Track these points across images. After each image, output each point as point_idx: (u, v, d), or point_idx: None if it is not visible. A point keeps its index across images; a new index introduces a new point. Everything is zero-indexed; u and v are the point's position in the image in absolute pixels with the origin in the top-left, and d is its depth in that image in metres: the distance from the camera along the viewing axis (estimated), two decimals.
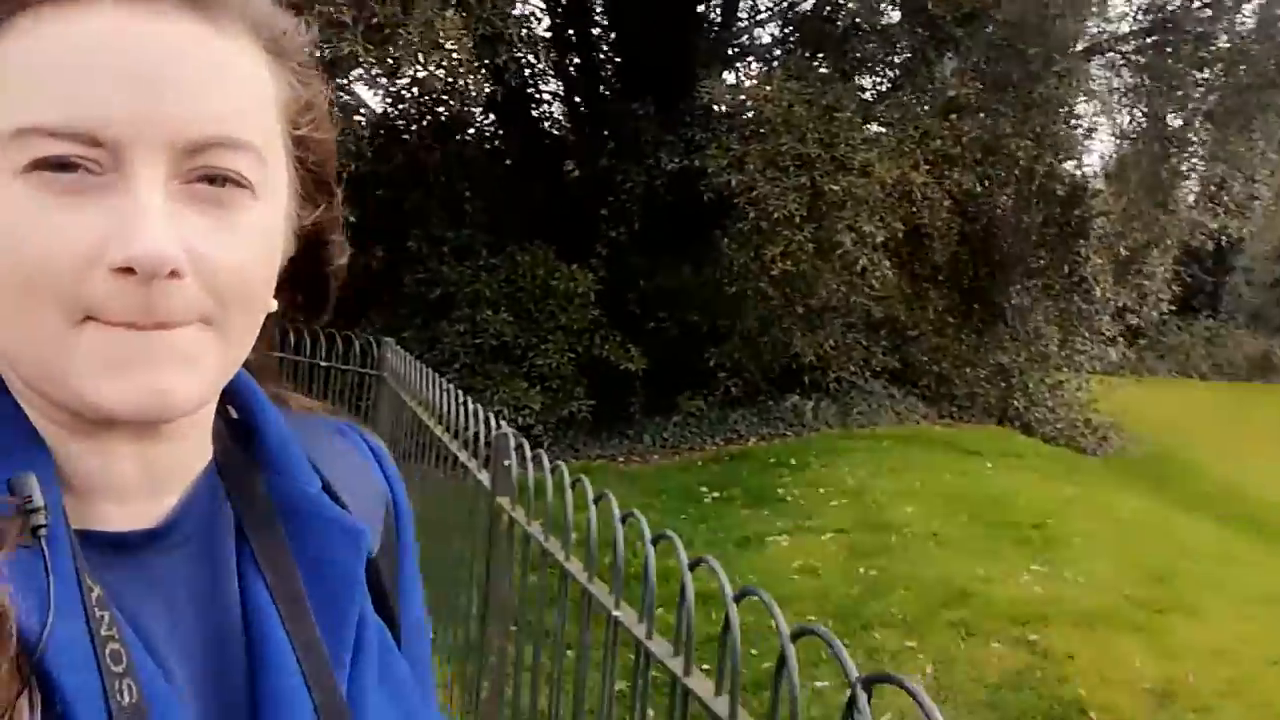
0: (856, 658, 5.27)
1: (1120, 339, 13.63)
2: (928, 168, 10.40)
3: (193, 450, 0.62)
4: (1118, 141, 12.19)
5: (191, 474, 0.62)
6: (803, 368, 11.00)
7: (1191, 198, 11.93)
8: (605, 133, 11.84)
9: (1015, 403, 12.50)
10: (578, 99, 13.23)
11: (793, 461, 9.03)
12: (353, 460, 0.74)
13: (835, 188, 9.88)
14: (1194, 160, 11.41)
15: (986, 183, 10.66)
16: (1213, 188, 11.44)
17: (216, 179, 0.54)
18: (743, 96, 10.30)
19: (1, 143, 0.50)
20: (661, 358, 10.92)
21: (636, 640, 1.89)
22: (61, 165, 0.50)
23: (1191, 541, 6.91)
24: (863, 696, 1.43)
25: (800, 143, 9.99)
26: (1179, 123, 11.02)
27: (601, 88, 12.83)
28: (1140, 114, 11.29)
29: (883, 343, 11.92)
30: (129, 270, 0.50)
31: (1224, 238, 13.10)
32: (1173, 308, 14.98)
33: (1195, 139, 11.07)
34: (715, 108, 10.83)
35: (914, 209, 10.50)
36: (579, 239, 10.90)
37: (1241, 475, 15.02)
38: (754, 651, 4.44)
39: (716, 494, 8.33)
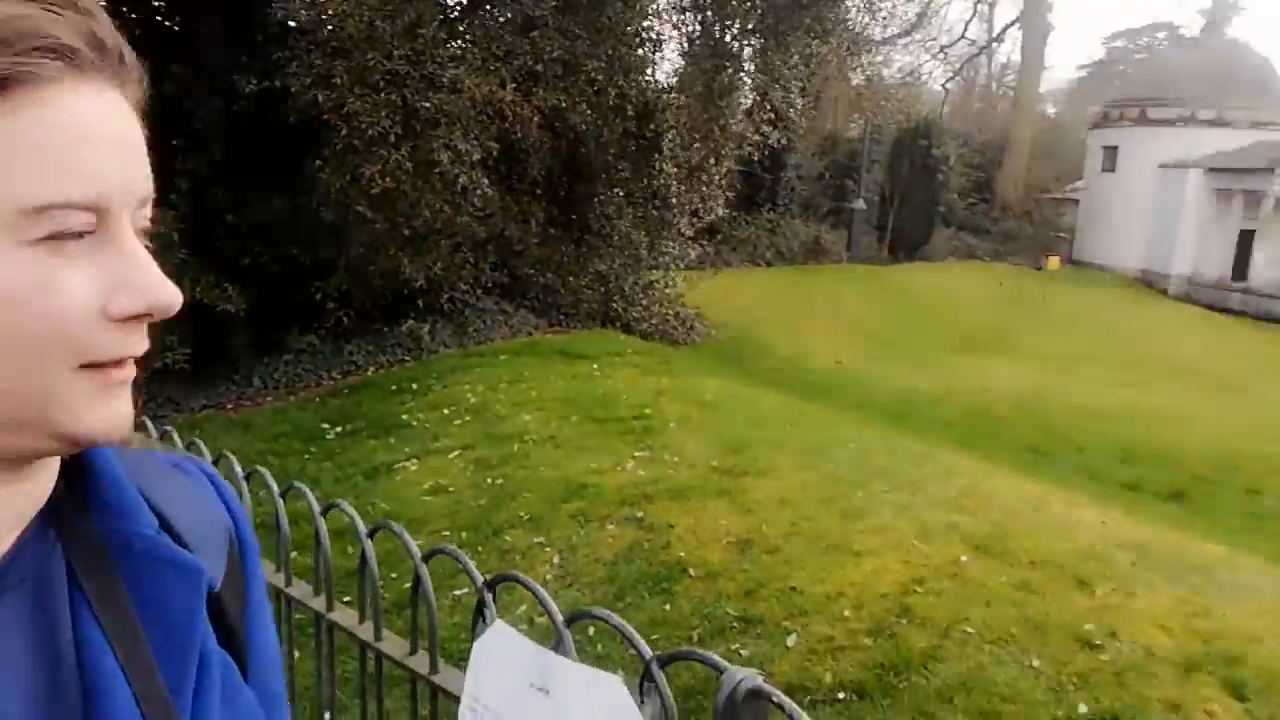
0: (490, 561, 5.64)
1: (698, 238, 15.09)
2: (514, 85, 10.71)
3: (40, 490, 0.61)
4: (681, 58, 13.33)
5: (27, 517, 0.60)
6: (415, 292, 11.02)
7: (743, 110, 13.41)
8: (167, 56, 10.76)
9: (615, 305, 13.49)
10: (130, 16, 11.82)
11: (414, 386, 9.14)
12: (192, 495, 0.73)
13: (427, 105, 9.88)
14: (743, 75, 12.80)
15: (569, 100, 11.21)
16: (758, 98, 12.93)
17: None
18: (319, 13, 9.86)
19: (14, 217, 0.52)
20: (264, 295, 10.40)
21: (275, 589, 1.99)
22: (77, 234, 0.54)
23: (763, 412, 8.08)
24: (489, 596, 1.65)
25: (388, 59, 9.82)
26: (730, 40, 12.29)
27: (157, 3, 11.56)
28: (697, 31, 12.41)
29: (491, 259, 12.23)
30: (138, 316, 0.56)
31: (776, 141, 14.89)
32: (739, 206, 16.77)
33: (743, 55, 12.41)
34: (292, 24, 10.26)
35: (506, 126, 10.80)
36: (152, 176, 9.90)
37: (802, 347, 17.52)
38: (394, 575, 4.63)
39: (340, 428, 8.25)
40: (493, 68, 10.39)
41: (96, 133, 0.55)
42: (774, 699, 1.47)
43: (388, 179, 9.69)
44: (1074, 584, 4.46)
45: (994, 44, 48.18)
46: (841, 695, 3.80)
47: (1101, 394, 13.55)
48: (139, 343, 0.58)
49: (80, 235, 0.54)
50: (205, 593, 0.66)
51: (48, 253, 0.53)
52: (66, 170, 0.53)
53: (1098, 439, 10.46)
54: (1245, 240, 32.73)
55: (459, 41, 10.92)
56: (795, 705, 1.44)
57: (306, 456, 7.62)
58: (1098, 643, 3.94)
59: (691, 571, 4.82)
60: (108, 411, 0.57)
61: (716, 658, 1.62)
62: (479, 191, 10.39)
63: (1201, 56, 36.36)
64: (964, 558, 4.75)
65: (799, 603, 4.41)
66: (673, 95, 12.39)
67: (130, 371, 0.59)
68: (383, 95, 9.70)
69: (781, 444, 6.72)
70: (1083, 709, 3.51)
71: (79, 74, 0.54)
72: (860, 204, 31.09)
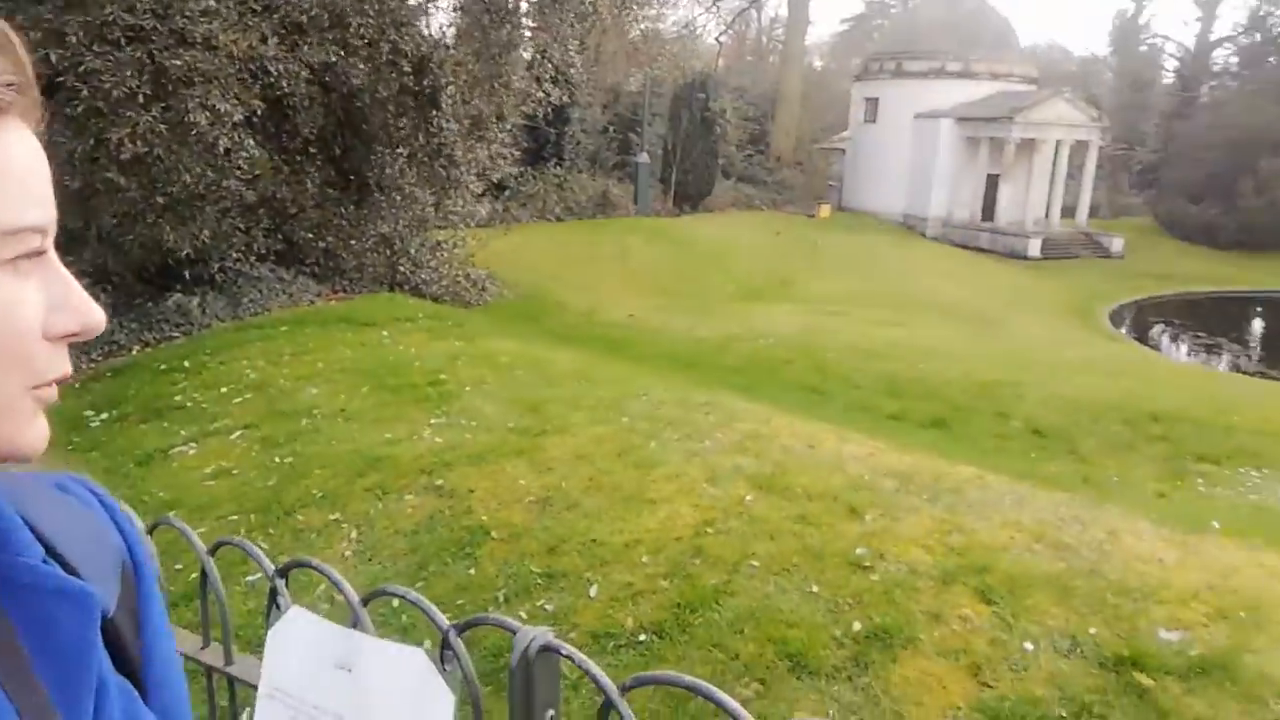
0: (285, 542, 5.46)
1: (486, 195, 14.91)
2: (277, 40, 10.12)
3: None
4: (456, 13, 13.02)
5: None
6: (181, 262, 10.32)
7: (524, 66, 13.30)
8: None
9: (402, 268, 13.16)
10: None
11: (187, 364, 8.61)
12: (80, 518, 0.71)
13: (178, 62, 9.19)
14: (522, 30, 12.67)
15: (340, 54, 10.73)
16: (538, 55, 12.86)
17: None
18: None
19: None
20: None
21: None
22: (28, 256, 0.58)
23: (558, 370, 8.18)
24: (280, 584, 1.64)
25: (129, 13, 9.03)
26: None
27: None
28: None
29: (264, 224, 11.60)
30: (72, 335, 0.60)
31: (558, 97, 14.87)
32: (526, 162, 16.69)
33: (520, 11, 12.27)
34: None
35: (271, 82, 10.21)
36: None
37: (595, 302, 17.77)
38: (178, 566, 4.41)
39: (106, 415, 7.67)
40: (251, 22, 9.77)
41: (39, 160, 0.60)
42: (563, 652, 1.56)
43: (139, 142, 8.96)
44: (846, 513, 4.85)
45: None
46: (642, 637, 3.98)
47: (871, 333, 14.57)
48: (68, 362, 0.62)
49: (30, 257, 0.58)
50: (99, 620, 0.64)
51: (13, 273, 0.57)
52: (29, 194, 0.58)
53: (868, 375, 11.28)
54: (992, 184, 35.78)
55: None
56: (584, 656, 1.53)
57: (70, 448, 7.05)
58: (868, 565, 4.31)
59: (494, 534, 4.87)
60: (41, 429, 0.61)
61: (508, 619, 1.69)
62: (244, 153, 9.81)
63: (949, 12, 39.05)
64: (749, 497, 5.06)
65: (600, 554, 4.56)
66: (450, 50, 12.10)
67: (55, 391, 0.62)
68: (126, 52, 8.93)
69: (577, 401, 6.85)
70: (857, 626, 3.85)
71: (26, 106, 0.59)
72: (644, 157, 31.61)
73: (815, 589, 4.15)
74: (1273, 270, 33.10)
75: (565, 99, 16.37)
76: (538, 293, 17.28)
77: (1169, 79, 50.17)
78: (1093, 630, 3.75)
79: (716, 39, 45.54)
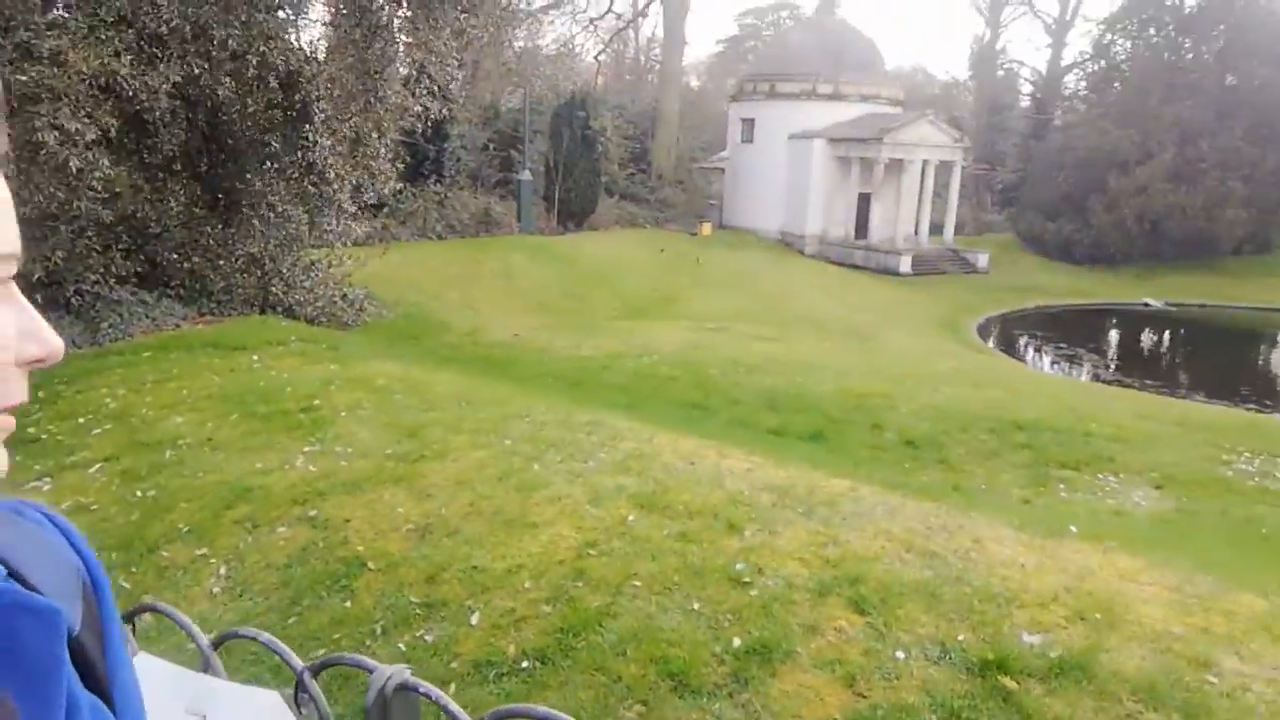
0: (148, 580, 5.19)
1: (362, 213, 14.57)
2: (133, 55, 9.69)
3: None
4: (327, 27, 12.72)
5: None
6: (34, 285, 9.73)
7: (399, 81, 13.08)
8: None
9: (274, 289, 12.73)
10: None
11: (40, 394, 8.11)
12: (37, 540, 0.71)
13: (23, 78, 8.70)
14: (397, 45, 12.48)
15: (205, 69, 10.35)
16: (415, 72, 12.68)
17: None
18: None
19: None
20: None
21: None
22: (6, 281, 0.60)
23: (438, 393, 8.04)
24: (127, 630, 1.56)
25: None
26: (377, 9, 11.90)
27: None
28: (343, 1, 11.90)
29: (123, 245, 11.07)
30: (38, 362, 0.61)
31: (437, 113, 14.67)
32: (405, 179, 16.43)
33: (394, 26, 12.08)
34: None
35: (129, 98, 9.76)
36: None
37: (479, 321, 17.58)
38: None
39: None
40: (104, 36, 9.33)
41: (4, 188, 0.61)
42: (420, 690, 1.53)
43: None
44: (726, 529, 4.91)
45: (639, 18, 50.62)
46: (525, 664, 3.93)
47: (752, 348, 14.85)
48: (26, 390, 0.63)
49: (4, 283, 0.60)
50: (66, 636, 0.64)
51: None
52: (8, 220, 0.60)
53: (749, 390, 11.48)
54: (864, 202, 37.06)
55: (59, 8, 9.70)
56: (440, 692, 1.50)
57: None
58: (747, 580, 4.37)
59: (371, 564, 4.74)
60: (3, 455, 0.62)
61: (364, 659, 1.64)
62: (97, 173, 9.34)
63: (818, 35, 40.41)
64: (631, 517, 5.07)
65: (481, 580, 4.48)
66: (323, 65, 11.80)
67: (13, 420, 0.63)
68: None
69: (457, 424, 6.74)
70: (737, 642, 3.90)
71: None
72: (526, 175, 31.54)
73: (696, 606, 4.18)
74: (1125, 284, 35.29)
75: (445, 114, 16.18)
76: (419, 313, 16.99)
77: (1025, 102, 53.01)
78: (960, 636, 3.89)
79: (595, 58, 45.96)
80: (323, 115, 11.64)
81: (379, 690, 1.58)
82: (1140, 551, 5.05)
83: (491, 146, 33.19)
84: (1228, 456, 9.75)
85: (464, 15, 11.63)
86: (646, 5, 48.13)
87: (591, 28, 44.21)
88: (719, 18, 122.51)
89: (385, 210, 23.84)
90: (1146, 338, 31.70)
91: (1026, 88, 53.83)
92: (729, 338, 16.07)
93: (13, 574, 0.65)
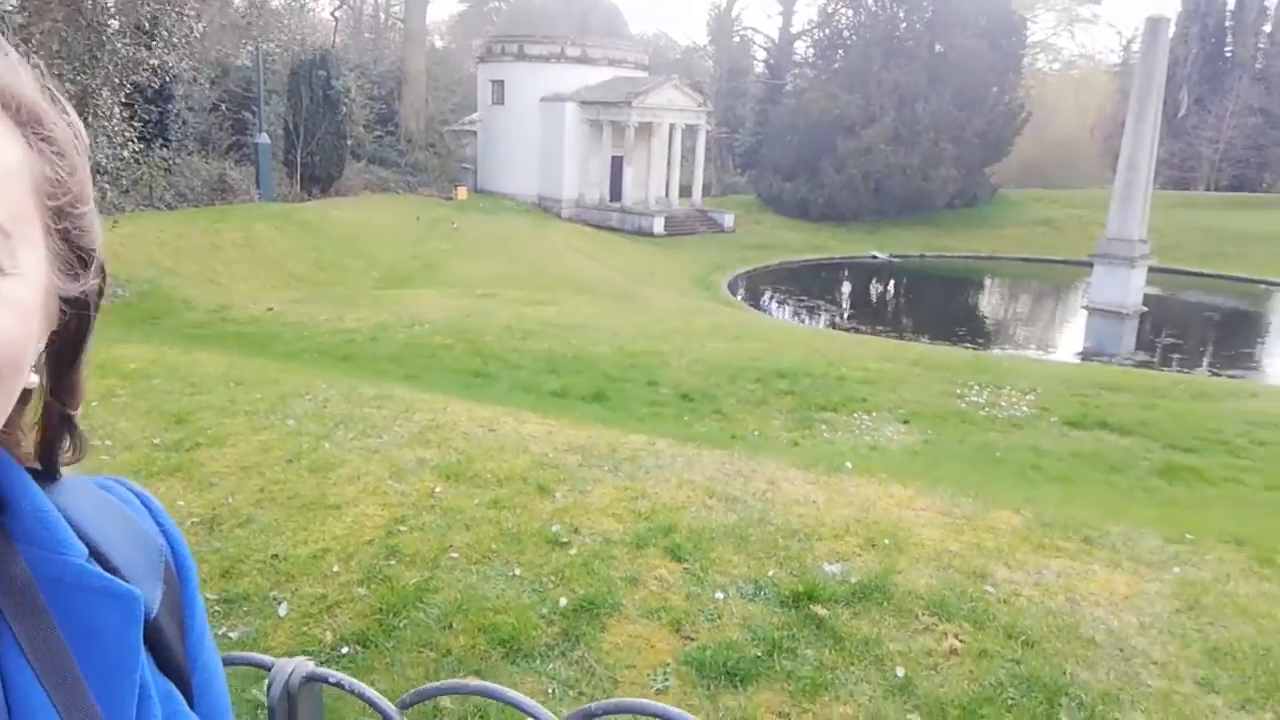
0: None
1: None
2: None
3: None
4: None
5: None
6: None
7: (121, 32, 11.81)
8: None
9: None
10: None
11: None
12: (124, 520, 0.71)
13: None
14: None
15: None
16: (148, 23, 11.49)
17: None
18: None
19: None
20: None
21: None
22: None
23: (202, 374, 7.45)
24: None
25: None
26: None
27: None
28: None
29: None
30: None
31: (162, 68, 13.38)
32: (132, 143, 14.93)
33: None
34: None
35: None
36: None
37: (225, 297, 16.40)
38: None
39: None
40: None
41: None
42: (331, 680, 1.46)
43: None
44: (537, 492, 4.93)
45: None
46: (345, 650, 3.79)
47: (524, 313, 14.82)
48: None
49: None
50: (142, 621, 0.64)
51: None
52: None
53: (527, 355, 11.48)
54: (617, 165, 37.71)
55: None
56: (354, 679, 1.44)
57: None
58: (565, 540, 4.42)
59: None
60: None
61: (258, 655, 1.54)
62: None
63: None
64: (438, 489, 4.97)
65: (284, 569, 4.25)
66: (29, 16, 10.42)
67: None
68: None
69: (231, 407, 6.30)
70: (563, 601, 3.94)
71: None
72: (264, 138, 29.52)
73: (518, 571, 4.18)
74: (855, 239, 38.17)
75: (172, 72, 14.79)
76: (156, 290, 15.59)
77: (760, 68, 55.73)
78: (770, 573, 4.13)
79: (332, 14, 43.58)
80: (36, 72, 10.25)
81: (283, 685, 1.49)
82: (904, 481, 5.56)
83: (223, 107, 30.74)
84: (960, 391, 10.87)
85: None
86: None
87: None
88: None
89: (105, 178, 21.58)
90: (875, 287, 34.53)
91: (761, 54, 56.57)
92: (499, 303, 15.95)
93: (95, 554, 0.65)
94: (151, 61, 11.73)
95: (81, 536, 0.65)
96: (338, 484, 5.02)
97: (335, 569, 4.26)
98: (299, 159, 30.71)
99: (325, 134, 31.14)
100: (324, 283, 20.10)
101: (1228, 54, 48.85)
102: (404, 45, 41.25)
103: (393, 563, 4.27)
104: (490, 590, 4.05)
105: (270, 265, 20.90)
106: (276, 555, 4.38)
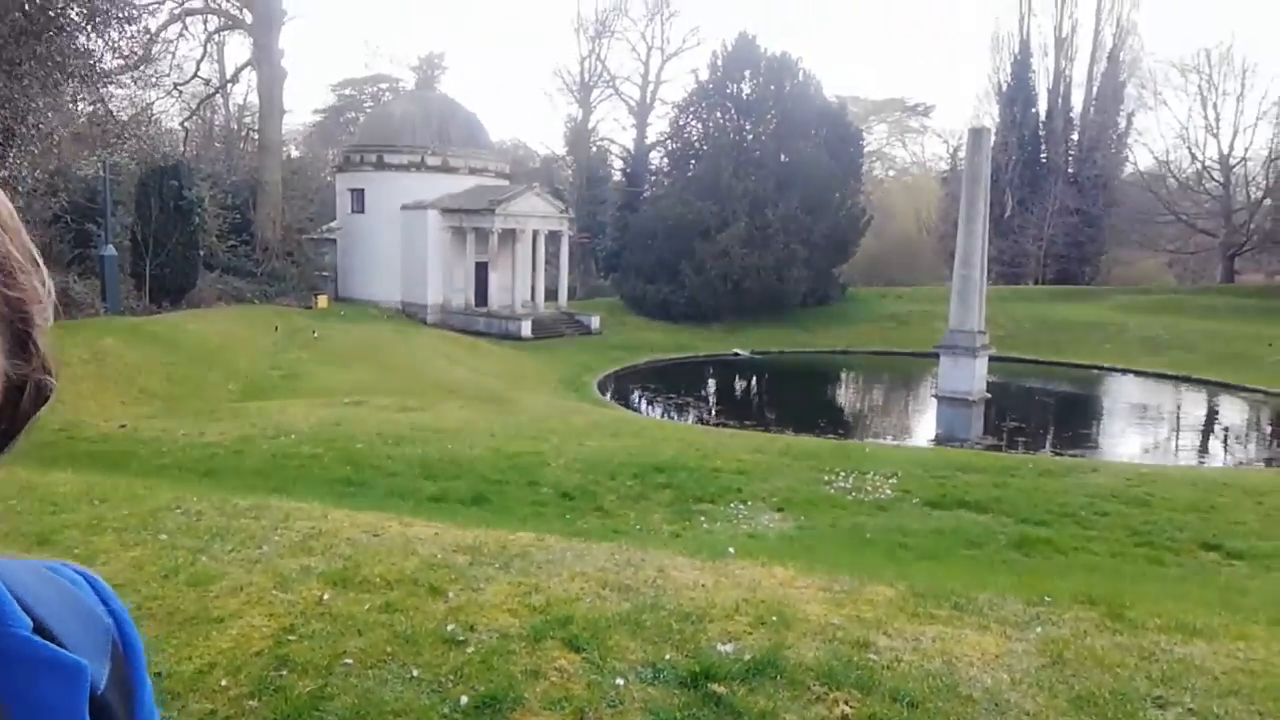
0: None
1: None
2: None
3: None
4: None
5: None
6: None
7: None
8: None
9: None
10: None
11: None
12: (70, 597, 0.71)
13: None
14: None
15: None
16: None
17: None
18: None
19: None
20: None
21: None
22: None
23: (60, 493, 7.05)
24: None
25: None
26: None
27: None
28: None
29: None
30: None
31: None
32: None
33: None
34: None
35: None
36: None
37: (73, 415, 15.52)
38: None
39: None
40: None
41: None
42: None
43: None
44: (429, 593, 4.91)
45: (229, 85, 48.08)
46: None
47: (395, 419, 14.63)
48: None
49: None
50: (88, 693, 0.64)
51: None
52: None
53: (401, 461, 11.33)
54: (482, 271, 37.99)
55: None
56: None
57: None
58: (461, 639, 4.41)
59: None
60: None
61: None
62: None
63: (421, 108, 41.05)
64: (326, 595, 4.88)
65: (169, 687, 4.08)
66: None
67: None
68: None
69: (97, 524, 6.02)
70: (464, 700, 3.93)
71: None
72: (110, 250, 28.44)
73: (416, 673, 4.15)
74: (717, 337, 39.35)
75: (38, 178, 14.30)
76: None
77: (618, 176, 57.60)
78: (667, 655, 4.24)
79: (181, 124, 42.81)
80: None
81: None
82: (787, 562, 5.80)
83: (67, 218, 29.55)
84: (828, 478, 11.34)
85: (56, 70, 10.42)
86: (236, 72, 45.93)
87: (176, 93, 41.15)
88: (314, 87, 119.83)
89: None
90: (739, 383, 35.55)
91: (618, 163, 58.56)
92: (369, 410, 15.69)
93: (40, 629, 0.65)
94: (1, 173, 11.35)
95: (27, 611, 0.64)
96: (220, 596, 4.87)
97: (224, 683, 4.12)
98: (148, 270, 29.69)
99: (176, 244, 30.31)
100: (179, 396, 19.30)
101: (1043, 160, 53.70)
102: (259, 155, 40.83)
103: (284, 673, 4.17)
104: (388, 694, 4.00)
105: (120, 380, 19.94)
106: (159, 674, 4.19)
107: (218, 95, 47.81)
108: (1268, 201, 48.48)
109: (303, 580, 5.06)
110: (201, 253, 32.60)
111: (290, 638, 4.46)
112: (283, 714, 3.89)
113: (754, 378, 36.08)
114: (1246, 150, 50.92)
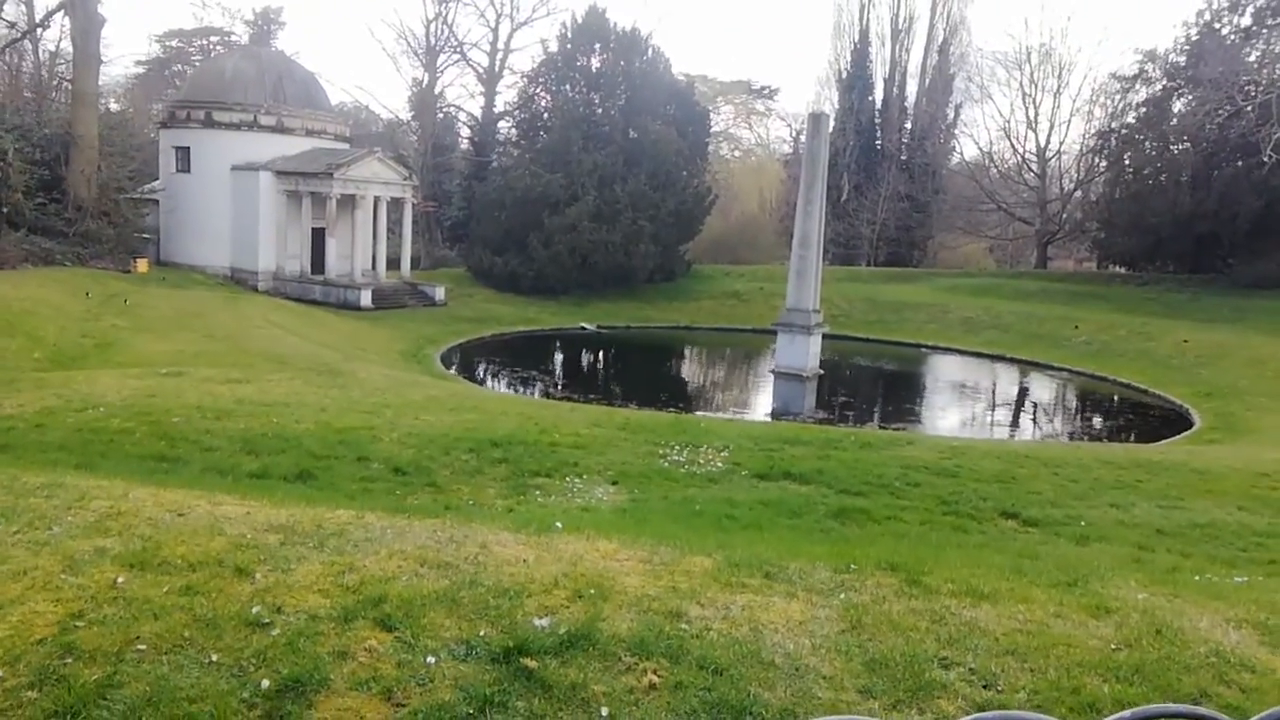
0: None
1: None
2: None
3: None
4: None
5: None
6: None
7: None
8: None
9: None
10: None
11: None
12: None
13: None
14: None
15: None
16: None
17: None
18: None
19: None
20: None
21: None
22: None
23: None
24: None
25: None
26: None
27: None
28: None
29: None
30: None
31: None
32: None
33: None
34: None
35: None
36: None
37: None
38: None
39: None
40: None
41: None
42: None
43: None
44: (234, 574, 4.71)
45: (39, 30, 44.30)
46: None
47: (217, 391, 13.93)
48: None
49: None
50: None
51: None
52: None
53: (221, 436, 10.80)
54: (319, 237, 36.54)
55: None
56: None
57: None
58: (267, 621, 4.26)
59: None
60: None
61: None
62: None
63: (255, 65, 38.97)
64: (120, 579, 4.61)
65: None
66: None
67: None
68: None
69: None
70: (266, 684, 3.80)
71: None
72: None
73: (215, 658, 3.97)
74: (565, 311, 39.28)
75: None
76: None
77: (465, 144, 56.42)
78: (482, 632, 4.22)
79: None
80: None
81: None
82: (613, 535, 5.87)
83: None
84: (663, 451, 11.53)
85: None
86: (48, 16, 42.30)
87: None
88: (137, 37, 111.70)
89: None
90: (585, 357, 35.66)
91: (465, 131, 57.34)
92: (189, 382, 14.87)
93: None
94: None
95: None
96: (0, 582, 4.52)
97: (0, 674, 3.83)
98: None
99: None
100: None
101: (879, 146, 55.96)
102: (72, 107, 37.75)
103: (69, 661, 3.91)
104: (184, 680, 3.82)
105: None
106: None
107: (25, 40, 43.93)
108: (1078, 194, 52.20)
109: (95, 563, 4.76)
110: (5, 210, 29.99)
111: (78, 624, 4.19)
112: (65, 705, 3.66)
113: (600, 352, 36.27)
114: (1061, 144, 54.66)
